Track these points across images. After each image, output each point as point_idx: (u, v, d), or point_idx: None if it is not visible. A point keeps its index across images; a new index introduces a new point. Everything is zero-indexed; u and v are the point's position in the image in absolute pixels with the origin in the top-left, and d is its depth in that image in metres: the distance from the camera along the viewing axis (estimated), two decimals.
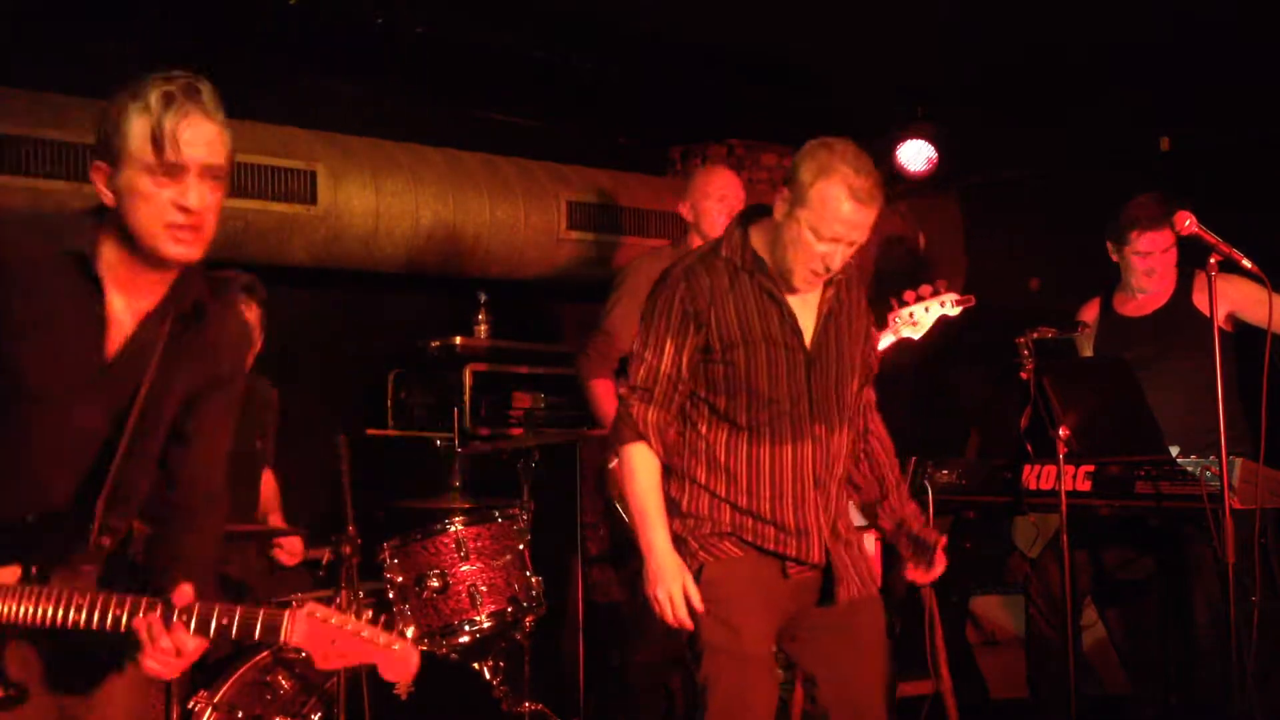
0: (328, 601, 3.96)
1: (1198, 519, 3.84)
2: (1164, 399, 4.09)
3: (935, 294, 4.01)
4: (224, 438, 2.59)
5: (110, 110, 2.35)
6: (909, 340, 4.03)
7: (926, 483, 4.53)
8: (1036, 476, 4.35)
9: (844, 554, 3.10)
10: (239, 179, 4.72)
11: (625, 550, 4.65)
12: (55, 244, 2.36)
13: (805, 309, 3.09)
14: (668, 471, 3.09)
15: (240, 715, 3.68)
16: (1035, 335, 4.20)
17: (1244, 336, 4.28)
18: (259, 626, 2.28)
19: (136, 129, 2.30)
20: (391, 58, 5.36)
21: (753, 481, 3.03)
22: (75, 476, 2.38)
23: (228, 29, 4.87)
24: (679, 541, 3.04)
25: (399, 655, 2.28)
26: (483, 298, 5.68)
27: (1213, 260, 3.65)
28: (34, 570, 2.33)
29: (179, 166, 2.31)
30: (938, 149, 6.01)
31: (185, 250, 2.37)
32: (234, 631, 2.29)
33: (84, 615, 2.28)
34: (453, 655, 3.92)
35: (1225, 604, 3.69)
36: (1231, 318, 4.30)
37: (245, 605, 2.31)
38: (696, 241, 4.72)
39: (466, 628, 4.05)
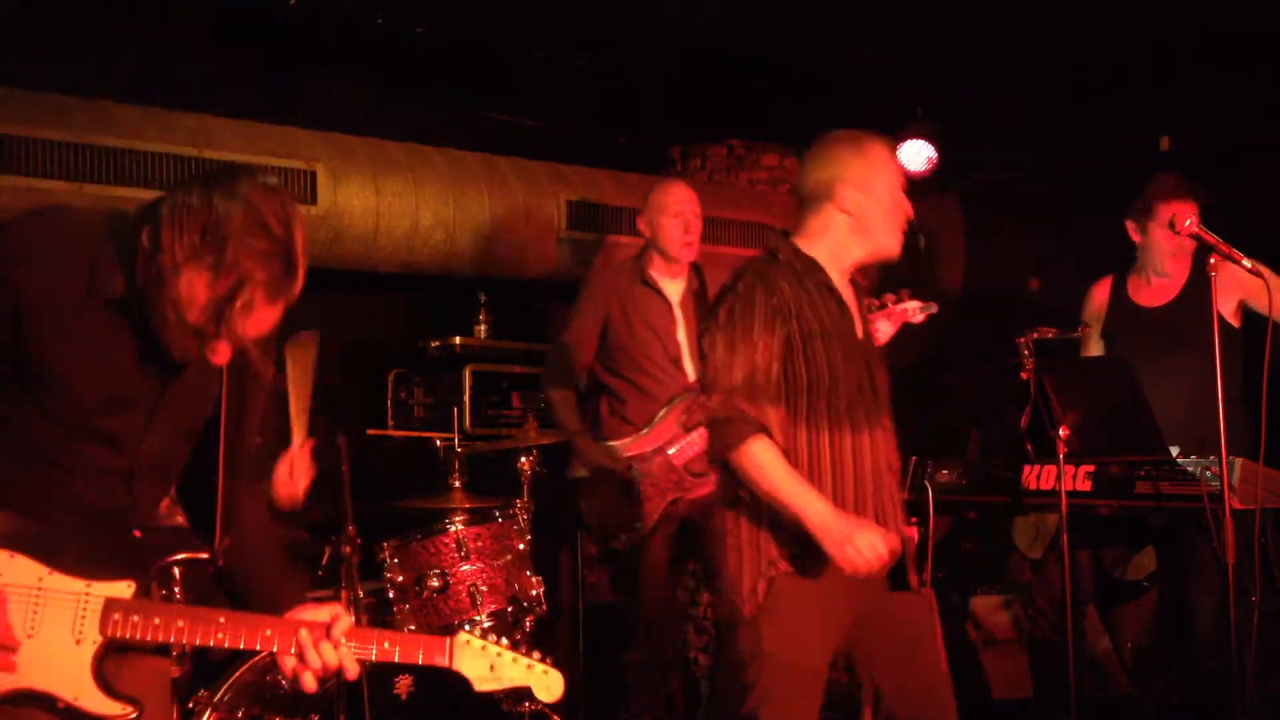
0: (326, 601, 3.98)
1: (1198, 519, 3.84)
2: (1171, 393, 4.06)
3: (899, 301, 4.09)
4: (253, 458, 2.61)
5: (236, 207, 2.17)
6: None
7: (926, 483, 4.53)
8: (1036, 476, 4.34)
9: (908, 546, 3.15)
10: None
11: (615, 554, 4.70)
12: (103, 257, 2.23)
13: (850, 307, 3.19)
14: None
15: (240, 715, 3.68)
16: (1035, 335, 4.19)
17: (1250, 332, 4.25)
18: (421, 653, 2.42)
19: (245, 262, 2.16)
20: (391, 58, 5.37)
21: (836, 475, 3.03)
22: (155, 483, 2.38)
23: (228, 29, 4.88)
24: (753, 549, 3.02)
25: (550, 680, 2.51)
26: (483, 298, 5.68)
27: (1213, 260, 3.64)
28: (145, 585, 2.31)
29: (232, 337, 2.22)
30: (938, 149, 6.01)
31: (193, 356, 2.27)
32: (398, 656, 2.41)
33: (228, 634, 2.31)
34: None
35: (1225, 604, 3.68)
36: (1242, 305, 4.26)
37: (405, 635, 2.47)
38: (655, 256, 4.78)
39: (466, 628, 4.04)
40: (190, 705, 3.66)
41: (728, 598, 3.05)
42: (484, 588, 4.08)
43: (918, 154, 6.01)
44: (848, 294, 3.17)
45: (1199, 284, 4.35)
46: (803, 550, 2.98)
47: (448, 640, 2.42)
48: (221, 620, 2.31)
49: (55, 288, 2.21)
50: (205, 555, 2.37)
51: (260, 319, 2.21)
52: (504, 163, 5.63)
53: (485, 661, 2.45)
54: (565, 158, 5.92)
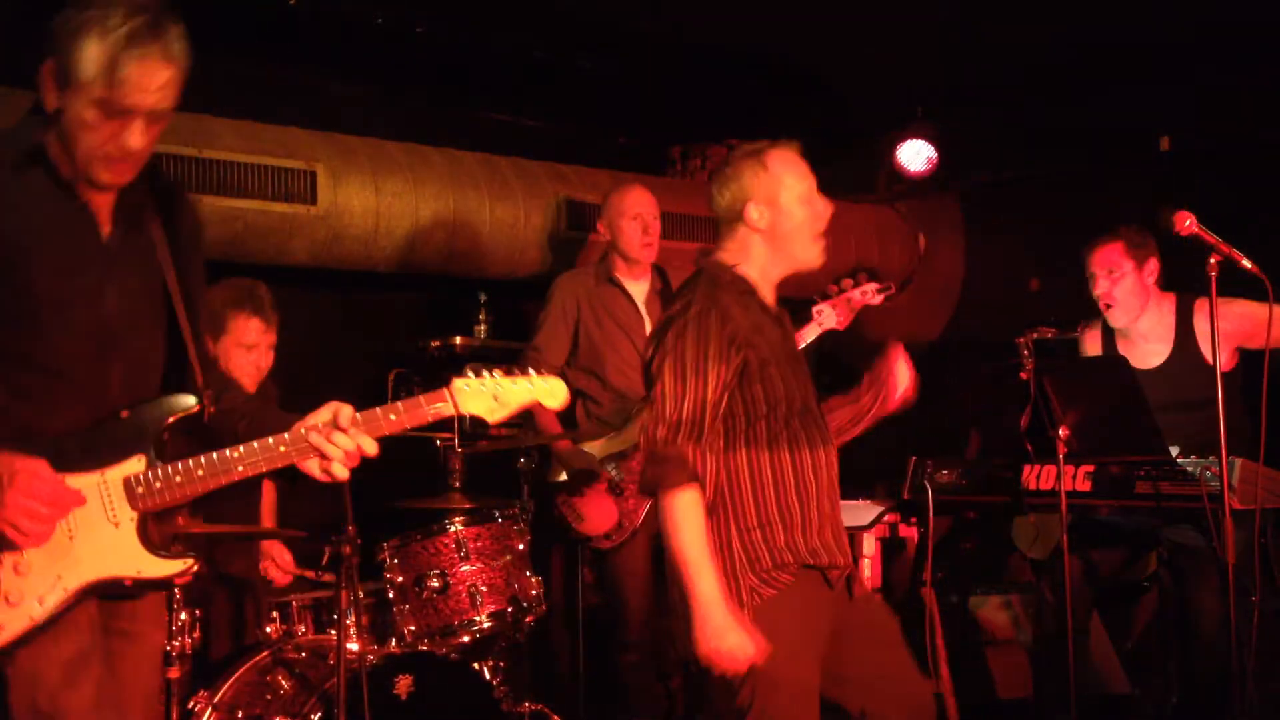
0: (326, 603, 3.98)
1: (1198, 519, 3.84)
2: (1183, 445, 4.05)
3: (856, 285, 4.25)
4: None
5: (70, 23, 2.32)
6: (834, 329, 4.37)
7: (926, 483, 4.53)
8: (1036, 476, 4.34)
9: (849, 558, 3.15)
10: (239, 179, 4.72)
11: (600, 554, 4.70)
12: (8, 148, 2.39)
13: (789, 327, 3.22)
14: (710, 509, 2.98)
15: (240, 715, 3.68)
16: (1035, 335, 4.19)
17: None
18: (425, 409, 2.53)
19: (91, 57, 2.28)
20: (391, 58, 5.37)
21: (801, 495, 3.03)
22: (126, 361, 2.45)
23: (228, 29, 4.87)
24: (731, 580, 2.96)
25: (551, 386, 2.58)
26: (483, 298, 5.68)
27: (1213, 260, 3.64)
28: (157, 451, 2.42)
29: (128, 108, 2.31)
30: (938, 149, 6.01)
31: (117, 179, 2.40)
32: (405, 420, 2.51)
33: (246, 464, 2.42)
34: (453, 655, 3.91)
35: (1225, 604, 3.68)
36: (1238, 351, 4.27)
37: (404, 399, 2.55)
38: (616, 261, 4.86)
39: (466, 628, 4.05)
40: (190, 705, 3.66)
41: None
42: (484, 588, 4.08)
43: (918, 154, 6.01)
44: (777, 310, 3.17)
45: (1187, 333, 4.34)
46: (781, 570, 2.98)
47: (446, 390, 2.52)
48: (237, 454, 2.43)
49: None
50: (196, 408, 2.48)
51: (145, 75, 2.28)
52: (504, 163, 5.63)
53: (488, 394, 2.55)
54: (565, 158, 5.92)
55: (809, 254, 3.14)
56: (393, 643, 3.96)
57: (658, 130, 6.59)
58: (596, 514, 4.62)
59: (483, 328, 5.69)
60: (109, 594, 2.42)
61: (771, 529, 2.99)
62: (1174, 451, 4.04)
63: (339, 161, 5.07)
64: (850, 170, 6.55)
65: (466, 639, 4.05)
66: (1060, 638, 4.29)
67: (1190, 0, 4.87)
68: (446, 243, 5.36)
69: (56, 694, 2.32)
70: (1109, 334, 4.56)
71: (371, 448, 2.49)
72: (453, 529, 4.11)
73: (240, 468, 2.43)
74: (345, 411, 2.48)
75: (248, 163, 4.74)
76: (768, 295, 3.15)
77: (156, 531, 2.44)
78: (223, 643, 4.04)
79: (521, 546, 4.19)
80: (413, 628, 3.99)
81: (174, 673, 3.57)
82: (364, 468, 3.74)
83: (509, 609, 4.10)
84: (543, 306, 4.94)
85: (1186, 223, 3.62)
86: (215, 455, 2.43)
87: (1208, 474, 3.86)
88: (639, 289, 4.89)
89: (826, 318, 4.39)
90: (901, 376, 3.30)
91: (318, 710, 3.55)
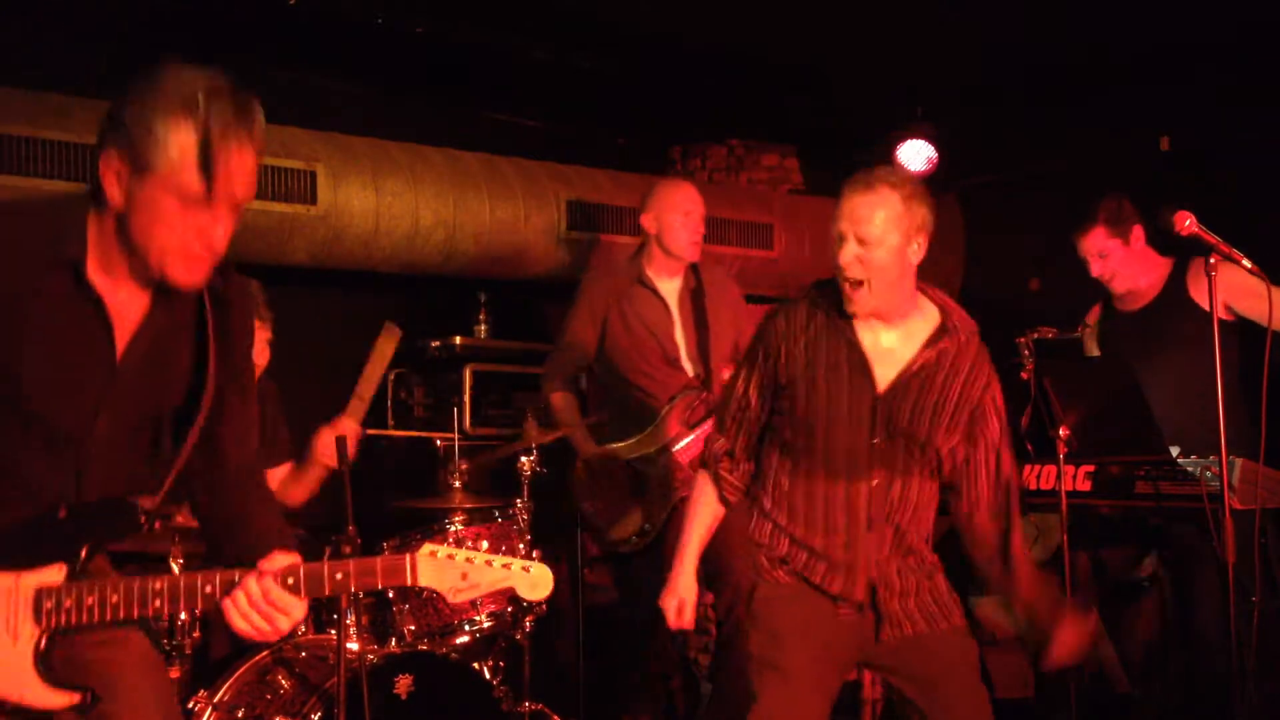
0: (326, 602, 3.98)
1: (1198, 519, 3.84)
2: (1156, 396, 4.07)
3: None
4: (253, 411, 2.49)
5: (146, 106, 2.08)
6: None
7: None
8: (1036, 476, 4.34)
9: (895, 600, 3.06)
10: None
11: (621, 555, 4.70)
12: (40, 243, 2.14)
13: (891, 358, 3.06)
14: (749, 498, 3.24)
15: (240, 715, 3.68)
16: (1035, 335, 4.19)
17: (1245, 333, 4.26)
18: (379, 575, 2.24)
19: (180, 143, 2.05)
20: (391, 58, 5.37)
21: (809, 515, 3.06)
22: (91, 473, 2.25)
23: (228, 29, 4.87)
24: (752, 554, 3.17)
25: (534, 575, 2.30)
26: (483, 298, 5.68)
27: (1213, 260, 3.64)
28: (79, 566, 2.22)
29: (217, 198, 2.10)
30: (938, 149, 6.01)
31: (194, 278, 2.18)
32: (352, 584, 2.23)
33: (166, 601, 2.20)
34: (453, 655, 3.91)
35: (1226, 604, 3.68)
36: (1227, 307, 4.28)
37: (358, 558, 2.28)
38: (656, 253, 4.78)
39: (466, 628, 4.05)
40: (190, 705, 3.65)
41: (737, 598, 3.17)
42: None
43: (918, 154, 6.01)
44: (915, 346, 3.07)
45: (1179, 284, 4.38)
46: (783, 558, 3.08)
47: (407, 557, 2.25)
48: (158, 587, 2.22)
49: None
50: (138, 528, 2.28)
51: (236, 163, 2.09)
52: (504, 163, 5.63)
53: (455, 571, 2.26)
54: (565, 158, 5.92)
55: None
56: (393, 643, 3.96)
57: (658, 130, 6.58)
58: (620, 518, 4.60)
59: (483, 328, 5.70)
60: None
61: (778, 531, 3.10)
62: (1174, 451, 4.04)
63: (339, 161, 5.07)
64: (850, 170, 6.55)
65: (466, 639, 4.05)
66: None
67: (1190, 0, 4.87)
68: (446, 243, 5.36)
69: None
70: (1108, 303, 4.62)
71: (292, 606, 2.23)
72: (453, 529, 4.11)
73: (157, 603, 2.21)
74: (276, 559, 2.24)
75: None
76: (866, 332, 3.06)
77: (59, 653, 2.21)
78: (223, 642, 4.03)
79: (521, 546, 4.19)
80: (413, 627, 3.99)
81: (174, 673, 3.57)
82: (365, 468, 3.73)
83: (509, 609, 4.10)
84: (571, 304, 4.85)
85: (1186, 223, 3.62)
86: (136, 586, 2.20)
87: (1208, 474, 3.86)
88: (671, 287, 4.79)
89: None
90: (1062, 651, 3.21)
91: (318, 710, 3.54)
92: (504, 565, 2.29)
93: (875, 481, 3.03)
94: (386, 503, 4.47)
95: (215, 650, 3.95)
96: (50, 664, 2.20)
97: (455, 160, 5.47)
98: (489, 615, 4.07)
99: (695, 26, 5.27)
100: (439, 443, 4.81)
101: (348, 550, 3.64)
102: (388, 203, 5.15)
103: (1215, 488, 3.71)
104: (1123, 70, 5.52)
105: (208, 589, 2.24)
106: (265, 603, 2.23)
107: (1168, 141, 5.81)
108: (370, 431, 5.34)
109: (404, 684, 3.63)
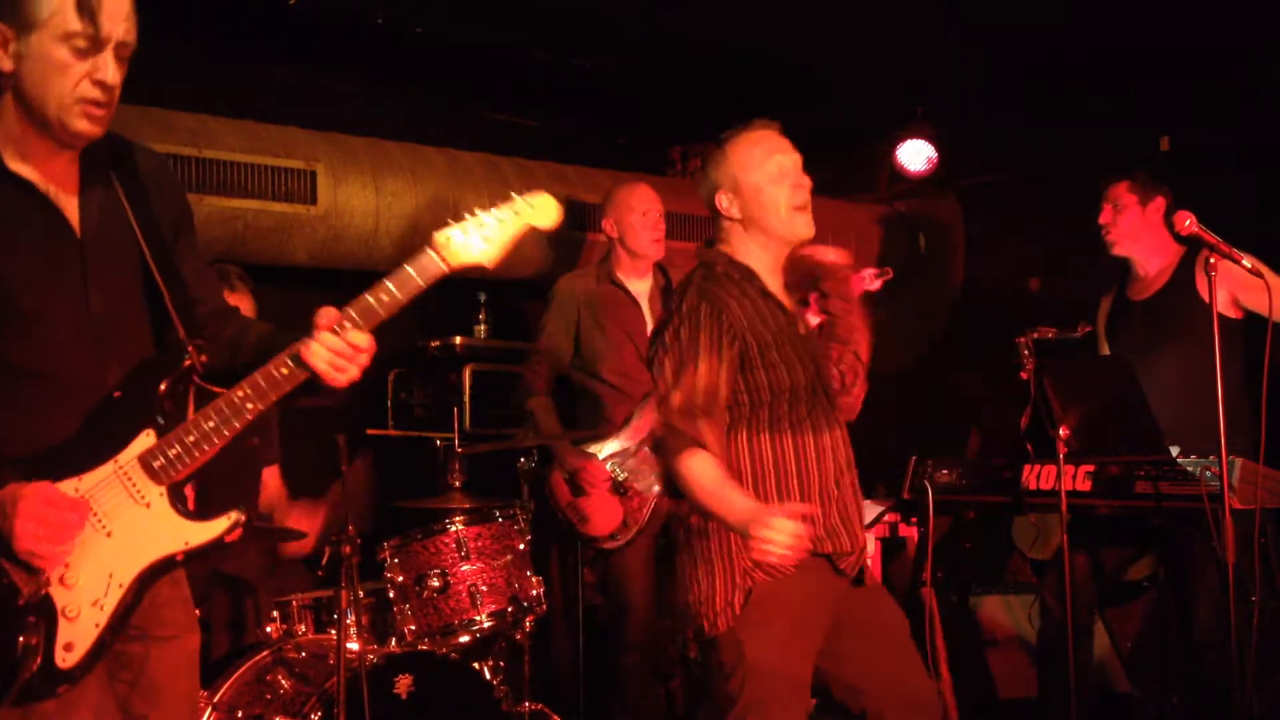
0: (326, 602, 3.98)
1: (1198, 519, 3.84)
2: (1158, 387, 4.07)
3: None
4: (200, 263, 2.60)
5: None
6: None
7: (926, 482, 4.53)
8: (1036, 476, 4.35)
9: (863, 537, 3.15)
10: (239, 179, 4.72)
11: (603, 554, 4.70)
12: None
13: (789, 307, 3.18)
14: None
15: (240, 715, 3.68)
16: (1035, 335, 4.20)
17: (1248, 332, 4.25)
18: (417, 277, 2.37)
19: None
20: (391, 58, 5.37)
21: (801, 481, 3.04)
22: (120, 355, 2.35)
23: (228, 29, 4.87)
24: (727, 560, 3.01)
25: (538, 203, 2.43)
26: (483, 298, 5.67)
27: (1213, 260, 3.64)
28: (161, 416, 2.33)
29: (101, 40, 2.21)
30: (938, 149, 6.02)
31: (95, 127, 2.29)
32: (402, 297, 2.36)
33: (255, 401, 2.30)
34: (453, 655, 3.91)
35: (1225, 604, 3.68)
36: (1234, 301, 4.27)
37: (389, 274, 2.39)
38: (622, 255, 4.88)
39: (467, 627, 4.04)
40: None
41: (699, 613, 3.01)
42: (484, 588, 4.08)
43: (918, 154, 6.02)
44: (782, 294, 3.16)
45: (1187, 275, 4.36)
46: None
47: (429, 249, 2.38)
48: (242, 394, 2.32)
49: None
50: (187, 362, 2.37)
51: (113, 2, 2.23)
52: (504, 163, 5.63)
53: (477, 236, 2.40)
54: (565, 158, 5.92)
55: (791, 228, 3.13)
56: (393, 642, 3.96)
57: (658, 130, 6.59)
58: (601, 514, 4.62)
59: (483, 327, 5.69)
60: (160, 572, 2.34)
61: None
62: (1174, 451, 4.04)
63: (339, 161, 5.07)
64: (850, 170, 6.56)
65: (467, 639, 4.05)
66: (1062, 638, 4.30)
67: (1190, 0, 4.87)
68: None
69: None
70: (1120, 290, 4.60)
71: (363, 341, 2.37)
72: (453, 529, 4.11)
73: (250, 406, 2.32)
74: (327, 312, 2.38)
75: (248, 163, 4.74)
76: (771, 279, 3.14)
77: (191, 499, 2.37)
78: (222, 642, 4.04)
79: (522, 546, 4.19)
80: (413, 627, 3.99)
81: None
82: (364, 468, 3.73)
83: (509, 609, 4.10)
84: (545, 309, 4.94)
85: (1186, 223, 3.62)
86: (222, 402, 2.32)
87: (1208, 474, 3.86)
88: (642, 287, 4.90)
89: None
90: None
91: (318, 710, 3.54)
92: (509, 210, 2.41)
93: (837, 425, 3.13)
94: (386, 503, 4.47)
95: (215, 650, 3.95)
96: (189, 508, 2.34)
97: (455, 160, 5.46)
98: (489, 615, 4.06)
99: (695, 26, 5.27)
100: (439, 443, 4.81)
101: (347, 550, 3.65)
102: (388, 203, 5.15)
103: (1215, 488, 3.72)
104: (1123, 70, 5.52)
105: (283, 370, 2.34)
106: (346, 345, 2.35)
107: (1168, 141, 5.82)
108: (370, 431, 5.36)
109: (404, 684, 3.64)
